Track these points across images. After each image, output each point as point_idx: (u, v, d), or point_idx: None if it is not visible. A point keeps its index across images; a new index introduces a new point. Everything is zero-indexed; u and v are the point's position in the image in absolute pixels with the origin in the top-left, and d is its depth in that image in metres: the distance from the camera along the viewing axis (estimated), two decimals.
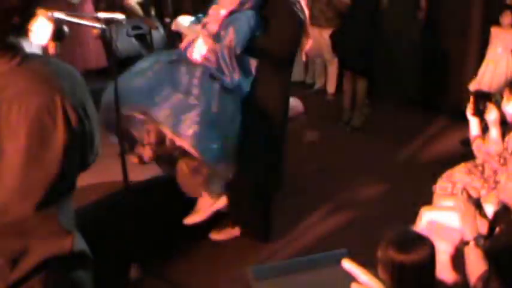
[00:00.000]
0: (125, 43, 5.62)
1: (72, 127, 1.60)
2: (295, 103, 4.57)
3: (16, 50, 1.57)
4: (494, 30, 5.09)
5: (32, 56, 1.61)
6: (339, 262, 1.83)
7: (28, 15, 1.58)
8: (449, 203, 2.92)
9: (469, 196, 2.26)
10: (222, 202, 3.53)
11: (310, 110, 4.87)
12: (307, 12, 3.42)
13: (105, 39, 4.11)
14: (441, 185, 3.18)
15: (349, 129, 5.74)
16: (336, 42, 5.67)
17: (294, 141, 4.51)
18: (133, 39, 5.87)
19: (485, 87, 4.87)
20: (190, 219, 3.53)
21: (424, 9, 6.07)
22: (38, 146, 1.56)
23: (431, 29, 6.10)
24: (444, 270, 2.54)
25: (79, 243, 1.83)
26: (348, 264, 1.35)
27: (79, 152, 1.70)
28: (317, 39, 6.48)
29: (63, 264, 1.76)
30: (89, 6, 5.02)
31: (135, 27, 5.90)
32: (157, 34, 6.13)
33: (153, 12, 6.19)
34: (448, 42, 5.98)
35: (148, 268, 3.23)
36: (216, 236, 3.70)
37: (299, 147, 4.62)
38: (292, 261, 2.21)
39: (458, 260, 2.57)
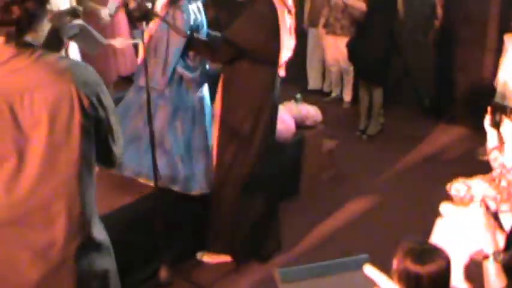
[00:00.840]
0: None
1: (87, 111, 1.75)
2: (313, 112, 4.61)
3: (34, 48, 1.73)
4: (507, 38, 5.03)
5: (47, 53, 1.76)
6: (360, 267, 1.90)
7: (27, 7, 1.71)
8: (467, 211, 2.94)
9: (487, 207, 2.29)
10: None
11: (327, 119, 4.91)
12: (292, 21, 3.32)
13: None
14: (456, 186, 3.19)
15: (365, 137, 5.78)
16: (352, 51, 5.70)
17: (312, 150, 4.56)
18: None
19: (500, 99, 4.84)
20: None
21: (440, 18, 6.09)
22: (59, 132, 1.72)
23: (447, 38, 6.11)
24: (458, 280, 2.57)
25: (101, 232, 1.94)
26: (369, 270, 1.40)
27: (101, 141, 1.84)
28: (333, 48, 6.56)
29: (88, 253, 1.86)
30: (122, 19, 5.02)
31: None
32: None
33: None
34: (463, 52, 5.98)
35: (178, 270, 3.31)
36: (206, 258, 3.61)
37: (317, 155, 4.66)
38: (317, 265, 2.26)
39: (471, 269, 2.61)
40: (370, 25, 5.47)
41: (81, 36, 2.90)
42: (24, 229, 1.75)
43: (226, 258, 3.56)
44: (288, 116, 4.32)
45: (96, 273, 1.89)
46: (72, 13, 2.78)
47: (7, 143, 1.69)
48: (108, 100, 1.86)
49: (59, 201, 1.76)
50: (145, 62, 3.03)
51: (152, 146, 3.01)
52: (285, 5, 3.25)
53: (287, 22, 3.26)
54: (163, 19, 3.12)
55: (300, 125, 4.46)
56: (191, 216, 3.57)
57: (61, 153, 1.74)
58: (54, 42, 2.37)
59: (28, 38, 1.74)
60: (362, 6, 5.42)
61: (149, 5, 2.90)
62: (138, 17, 2.85)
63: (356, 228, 4.08)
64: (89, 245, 1.86)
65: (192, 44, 3.34)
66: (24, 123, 1.70)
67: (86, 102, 1.75)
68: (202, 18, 3.55)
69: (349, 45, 5.75)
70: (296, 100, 4.58)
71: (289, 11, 3.28)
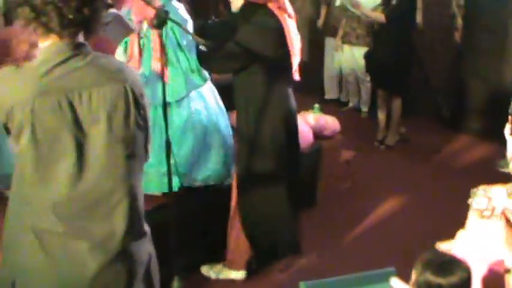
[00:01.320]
0: None
1: (139, 109, 1.88)
2: (331, 122, 4.61)
3: (88, 50, 1.84)
4: None
5: (99, 55, 1.88)
6: (387, 280, 1.89)
7: (96, 8, 1.81)
8: (487, 224, 2.91)
9: (507, 220, 2.27)
10: None
11: (345, 128, 4.90)
12: (298, 40, 3.32)
13: None
14: (477, 200, 3.16)
15: (383, 147, 5.76)
16: (370, 61, 5.69)
17: (330, 160, 4.56)
18: None
19: None
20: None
21: (460, 29, 6.07)
22: (117, 128, 1.82)
23: (466, 47, 6.08)
24: None
25: (147, 226, 2.06)
26: (396, 283, 1.40)
27: (144, 138, 1.95)
28: (349, 57, 6.56)
29: (140, 243, 1.97)
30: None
31: None
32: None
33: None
34: (483, 62, 5.94)
35: (190, 281, 3.31)
36: (206, 271, 3.59)
37: (334, 166, 4.66)
38: (343, 278, 2.25)
39: (490, 281, 2.58)
40: (388, 35, 5.45)
41: (113, 24, 2.92)
42: (84, 222, 1.84)
43: (236, 274, 3.53)
44: (306, 126, 4.33)
45: (143, 261, 1.99)
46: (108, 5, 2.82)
47: (67, 138, 1.77)
48: (147, 100, 1.97)
49: (118, 194, 1.87)
50: (162, 69, 3.02)
51: (167, 155, 3.01)
52: (285, 11, 3.24)
53: (291, 26, 3.25)
54: (182, 26, 3.13)
55: (318, 135, 4.46)
56: (205, 226, 3.56)
57: (119, 149, 1.85)
58: None
59: (80, 37, 1.82)
60: (381, 18, 5.40)
61: (167, 12, 2.91)
62: (157, 24, 2.86)
63: (375, 239, 4.06)
64: (141, 235, 1.98)
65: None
66: (84, 119, 1.79)
67: (138, 100, 1.87)
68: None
69: (367, 55, 5.74)
70: (314, 110, 4.58)
71: (289, 16, 3.27)
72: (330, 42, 6.94)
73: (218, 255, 3.57)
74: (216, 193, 3.72)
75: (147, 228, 2.04)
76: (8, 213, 1.93)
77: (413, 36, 5.55)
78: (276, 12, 3.18)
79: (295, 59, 3.29)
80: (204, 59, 3.32)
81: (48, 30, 1.76)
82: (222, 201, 3.52)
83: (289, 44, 3.23)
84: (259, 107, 3.27)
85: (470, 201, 3.11)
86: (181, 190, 3.47)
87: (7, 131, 1.81)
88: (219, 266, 3.55)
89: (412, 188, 4.83)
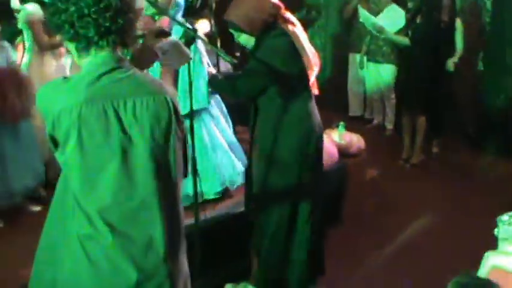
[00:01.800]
0: None
1: (179, 121, 1.95)
2: (357, 140, 4.60)
3: (128, 65, 1.94)
4: None
5: (138, 70, 1.97)
6: None
7: (130, 19, 1.90)
8: None
9: None
10: None
11: (370, 146, 4.89)
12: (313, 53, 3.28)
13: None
14: (504, 229, 3.11)
15: (408, 166, 5.70)
16: (397, 80, 5.66)
17: (355, 178, 4.53)
18: None
19: None
20: None
21: (484, 46, 6.01)
22: (159, 137, 1.89)
23: (492, 66, 6.01)
24: None
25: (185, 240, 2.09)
26: None
27: (183, 149, 2.01)
28: (374, 75, 6.54)
29: (180, 253, 2.02)
30: None
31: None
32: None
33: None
34: (509, 79, 5.88)
35: None
36: None
37: (360, 184, 4.63)
38: None
39: None
40: (414, 55, 5.43)
41: (171, 53, 2.92)
42: (127, 229, 1.87)
43: None
44: (331, 143, 4.31)
45: (183, 275, 2.03)
46: (165, 33, 2.83)
47: (113, 144, 1.84)
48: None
49: (160, 203, 1.90)
50: (190, 86, 3.03)
51: (194, 171, 3.01)
52: (290, 22, 3.20)
53: (301, 37, 3.21)
54: (213, 45, 3.14)
55: (343, 153, 4.44)
56: (229, 244, 3.55)
57: (162, 157, 1.90)
58: (147, 58, 2.46)
59: (119, 52, 1.92)
60: (406, 41, 5.39)
61: (195, 30, 2.91)
62: (185, 42, 2.87)
63: (402, 259, 3.99)
64: (181, 245, 2.02)
65: (212, 81, 3.42)
66: (128, 126, 1.85)
67: (178, 112, 1.94)
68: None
69: (396, 76, 5.71)
70: (339, 128, 4.57)
71: (293, 23, 3.22)
72: (354, 59, 6.94)
73: (242, 274, 3.53)
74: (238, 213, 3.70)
75: (185, 242, 2.07)
76: (48, 221, 2.00)
77: (439, 55, 5.51)
78: (285, 27, 3.15)
79: (311, 73, 3.25)
80: (222, 87, 3.38)
81: (88, 42, 1.85)
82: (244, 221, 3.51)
83: (304, 57, 3.19)
84: (281, 126, 3.24)
85: (496, 231, 3.07)
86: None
87: (54, 143, 1.87)
88: (242, 284, 3.52)
89: (439, 207, 4.76)
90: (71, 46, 1.91)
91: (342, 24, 7.26)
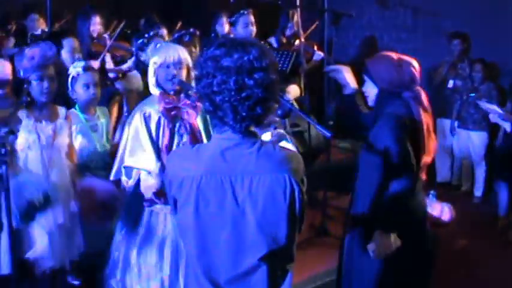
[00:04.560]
0: None
1: (295, 198, 1.98)
2: (447, 209, 4.51)
3: (256, 138, 2.03)
4: None
5: (266, 143, 2.06)
6: None
7: (269, 107, 2.00)
8: None
9: None
10: None
11: (459, 214, 4.75)
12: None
13: None
14: None
15: (503, 240, 5.37)
16: (489, 147, 5.53)
17: (443, 248, 4.41)
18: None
19: None
20: None
21: None
22: (270, 213, 1.96)
23: None
24: None
25: None
26: None
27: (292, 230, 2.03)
28: (465, 141, 6.43)
29: None
30: None
31: (293, 125, 5.46)
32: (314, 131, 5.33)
33: None
34: None
35: None
36: None
37: (448, 255, 4.49)
38: None
39: None
40: None
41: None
42: None
43: None
44: None
45: None
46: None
47: (225, 215, 1.97)
48: (305, 183, 2.05)
49: (263, 271, 1.99)
50: None
51: None
52: (420, 104, 3.20)
53: (426, 121, 3.19)
54: (308, 116, 3.21)
55: (434, 223, 4.36)
56: None
57: (272, 229, 1.97)
58: None
59: (253, 127, 2.02)
60: (498, 110, 5.32)
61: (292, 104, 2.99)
62: (281, 115, 2.92)
63: None
64: None
65: None
66: (242, 201, 1.96)
67: (295, 190, 1.97)
68: None
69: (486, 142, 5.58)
70: (430, 197, 4.51)
71: (424, 109, 3.20)
72: (441, 124, 6.85)
73: None
74: None
75: None
76: None
77: None
78: (412, 102, 3.13)
79: (426, 158, 3.17)
80: None
81: (223, 123, 1.99)
82: None
83: (423, 140, 3.12)
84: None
85: None
86: None
87: (174, 204, 2.08)
88: None
89: None
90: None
91: (431, 90, 7.22)
